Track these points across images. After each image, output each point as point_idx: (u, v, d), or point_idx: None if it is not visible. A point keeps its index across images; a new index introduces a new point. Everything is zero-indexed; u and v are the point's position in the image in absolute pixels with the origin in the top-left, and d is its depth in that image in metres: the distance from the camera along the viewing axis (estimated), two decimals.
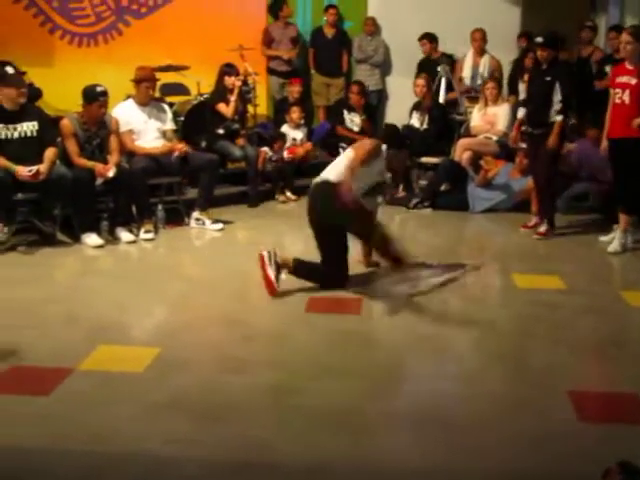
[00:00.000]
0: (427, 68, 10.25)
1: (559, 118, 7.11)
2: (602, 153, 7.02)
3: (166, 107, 7.93)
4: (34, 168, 6.61)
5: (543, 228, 7.34)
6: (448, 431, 3.59)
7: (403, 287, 5.63)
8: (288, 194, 9.01)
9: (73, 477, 3.21)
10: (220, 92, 8.90)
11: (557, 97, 7.11)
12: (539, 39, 7.23)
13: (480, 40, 10.10)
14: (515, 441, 3.50)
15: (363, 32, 11.03)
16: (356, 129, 9.83)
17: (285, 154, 9.20)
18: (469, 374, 4.33)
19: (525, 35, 10.26)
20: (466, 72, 10.19)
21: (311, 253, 5.67)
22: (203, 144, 8.69)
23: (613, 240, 6.91)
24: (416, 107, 9.43)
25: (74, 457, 3.34)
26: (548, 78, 7.18)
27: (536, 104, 7.32)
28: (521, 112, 7.62)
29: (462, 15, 10.42)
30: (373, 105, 10.57)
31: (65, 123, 7.13)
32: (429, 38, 10.43)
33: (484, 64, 10.10)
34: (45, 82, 9.36)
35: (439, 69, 9.97)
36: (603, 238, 7.11)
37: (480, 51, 10.17)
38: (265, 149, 9.05)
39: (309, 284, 5.66)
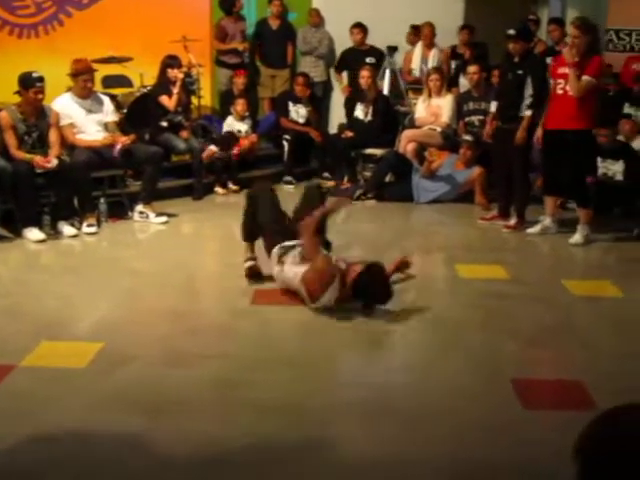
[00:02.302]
0: (353, 59, 10.32)
1: (529, 113, 7.12)
2: (536, 143, 7.11)
3: (106, 99, 7.79)
4: None
5: (513, 221, 7.38)
6: (398, 422, 3.60)
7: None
8: (230, 185, 8.96)
9: (17, 475, 3.15)
10: (163, 84, 8.82)
11: (528, 91, 7.11)
12: (511, 31, 7.18)
13: (430, 33, 10.17)
14: (464, 431, 3.53)
15: (308, 24, 11.02)
16: (301, 121, 9.84)
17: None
18: (416, 365, 4.36)
19: (466, 28, 10.33)
20: (415, 64, 10.25)
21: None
22: (147, 137, 8.60)
23: (545, 229, 7.08)
24: (360, 99, 9.45)
25: (18, 455, 3.29)
26: (520, 71, 7.17)
27: (508, 98, 7.31)
28: (493, 106, 7.58)
29: (405, 7, 10.47)
30: (318, 96, 10.58)
31: (3, 115, 7.01)
32: (362, 27, 10.47)
33: (433, 57, 10.17)
34: None
35: (368, 60, 10.02)
36: (531, 230, 7.21)
37: (430, 44, 10.23)
38: (212, 147, 8.95)
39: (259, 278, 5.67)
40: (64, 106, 7.41)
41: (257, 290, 5.41)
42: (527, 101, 7.12)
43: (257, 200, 5.51)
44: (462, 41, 10.28)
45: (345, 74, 10.84)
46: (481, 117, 8.65)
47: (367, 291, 4.91)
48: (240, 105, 9.50)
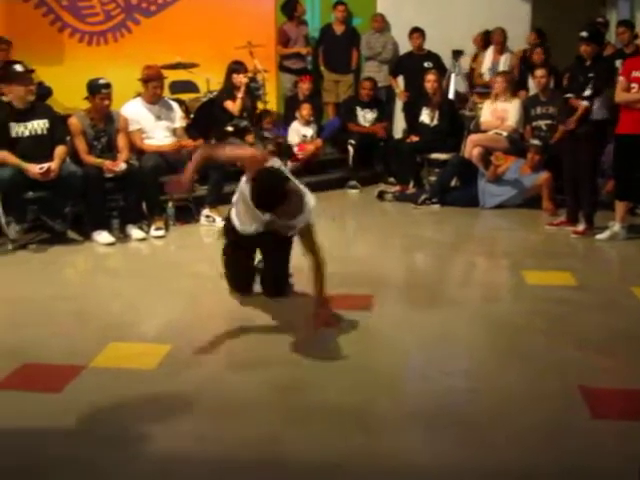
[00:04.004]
0: (410, 64, 10.30)
1: (584, 103, 7.00)
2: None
3: (175, 105, 7.93)
4: (45, 166, 6.62)
5: (581, 227, 7.28)
6: (460, 428, 3.57)
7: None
8: None
9: (85, 475, 3.21)
10: (228, 89, 8.93)
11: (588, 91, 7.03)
12: (584, 33, 7.03)
13: (501, 38, 10.10)
14: (527, 437, 3.48)
15: (372, 29, 11.02)
16: (368, 125, 9.86)
17: (295, 151, 9.22)
18: (480, 370, 4.31)
19: (536, 31, 10.22)
20: (485, 68, 10.19)
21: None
22: (212, 141, 8.70)
23: (615, 235, 7.01)
24: (425, 103, 9.42)
25: (86, 455, 3.34)
26: (591, 74, 7.06)
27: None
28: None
29: (471, 11, 10.42)
30: (382, 101, 10.58)
31: (73, 121, 7.16)
32: (421, 32, 10.44)
33: (504, 61, 10.09)
34: (55, 80, 9.41)
35: (426, 65, 9.99)
36: (599, 236, 7.09)
37: (501, 49, 10.16)
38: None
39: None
40: (134, 112, 7.54)
41: None
42: (586, 92, 7.00)
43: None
44: (531, 45, 10.18)
45: (401, 79, 10.81)
46: (548, 121, 8.55)
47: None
48: (305, 110, 9.56)
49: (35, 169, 6.61)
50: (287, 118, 10.16)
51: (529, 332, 4.82)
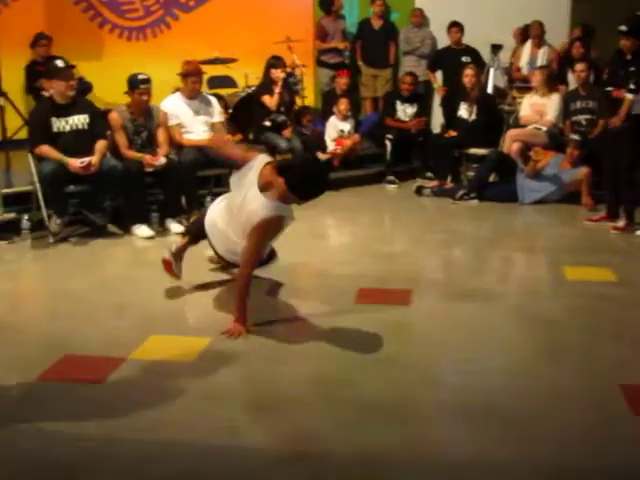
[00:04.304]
0: (448, 58, 10.25)
1: (629, 96, 6.90)
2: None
3: (214, 100, 7.97)
4: (86, 160, 6.69)
5: (622, 223, 7.20)
6: (500, 423, 3.56)
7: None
8: None
9: (125, 464, 3.24)
10: (266, 84, 8.96)
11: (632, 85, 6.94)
12: (623, 27, 6.97)
13: (539, 32, 10.03)
14: (567, 433, 3.47)
15: (410, 23, 10.99)
16: (408, 119, 9.84)
17: (333, 146, 9.23)
18: (519, 366, 4.29)
19: (582, 26, 10.11)
20: (523, 62, 10.12)
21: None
22: (251, 136, 8.73)
23: None
24: (464, 97, 9.37)
25: (126, 444, 3.38)
26: (632, 68, 6.95)
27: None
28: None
29: (510, 5, 10.33)
30: (422, 95, 10.54)
31: (114, 116, 7.23)
32: (459, 26, 10.40)
33: (542, 55, 10.02)
34: (95, 76, 9.48)
35: (464, 59, 9.94)
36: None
37: (538, 43, 10.09)
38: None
39: (358, 276, 5.69)
40: (173, 106, 7.60)
41: (360, 289, 5.42)
42: (631, 85, 6.89)
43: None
44: (572, 39, 10.08)
45: (439, 74, 10.78)
46: (588, 116, 8.48)
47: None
48: (343, 105, 9.56)
49: (76, 163, 6.68)
50: (324, 113, 10.17)
51: (569, 328, 4.79)
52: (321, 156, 9.16)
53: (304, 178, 4.54)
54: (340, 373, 4.11)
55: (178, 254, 5.48)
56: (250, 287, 4.70)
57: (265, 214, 4.53)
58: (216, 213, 5.17)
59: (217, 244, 5.18)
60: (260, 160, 4.77)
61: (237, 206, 4.80)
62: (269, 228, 4.62)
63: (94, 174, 6.78)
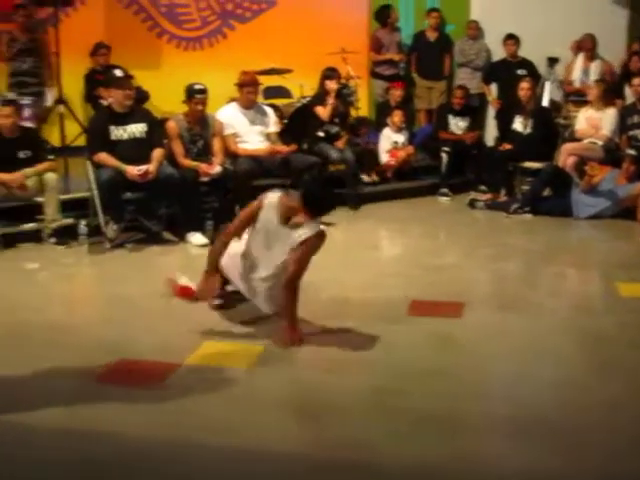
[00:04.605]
0: (504, 71, 10.21)
1: None
2: None
3: (270, 110, 8.05)
4: (143, 168, 6.80)
5: None
6: (549, 435, 3.54)
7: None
8: None
9: (183, 465, 3.29)
10: (320, 95, 9.00)
11: None
12: None
13: (590, 45, 9.95)
14: (620, 448, 3.44)
15: (465, 35, 10.97)
16: (460, 133, 9.82)
17: (386, 157, 9.25)
18: (570, 381, 4.25)
19: (639, 39, 10.01)
20: (575, 76, 10.04)
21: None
22: (305, 146, 8.78)
23: None
24: (519, 111, 9.32)
25: (180, 448, 3.42)
26: None
27: None
28: None
29: (567, 18, 10.26)
30: (475, 107, 10.51)
31: (171, 125, 7.34)
32: (515, 39, 10.35)
33: (595, 68, 9.94)
34: (152, 85, 9.61)
35: (519, 72, 9.88)
36: None
37: (591, 56, 10.01)
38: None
39: (410, 288, 5.70)
40: (228, 116, 7.68)
41: (413, 301, 5.42)
42: None
43: None
44: (630, 53, 9.99)
45: (494, 86, 10.73)
46: None
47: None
48: (397, 116, 9.58)
49: (134, 171, 6.79)
50: (378, 124, 10.18)
51: (621, 344, 4.74)
52: (366, 179, 9.20)
53: (314, 196, 4.69)
54: (391, 383, 4.12)
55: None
56: (298, 297, 4.74)
57: (311, 232, 4.63)
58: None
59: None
60: (270, 198, 4.83)
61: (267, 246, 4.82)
62: (316, 243, 4.70)
63: (151, 182, 6.88)
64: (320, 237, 4.69)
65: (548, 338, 4.85)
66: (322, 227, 4.74)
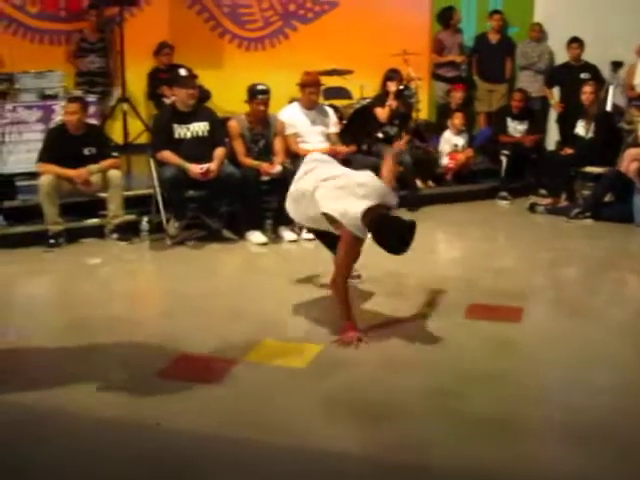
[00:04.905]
0: (566, 74, 10.09)
1: None
2: None
3: (330, 111, 8.09)
4: (205, 166, 6.88)
5: None
6: (606, 441, 3.52)
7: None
8: None
9: (240, 464, 3.33)
10: (380, 96, 9.00)
11: None
12: None
13: None
14: None
15: (528, 38, 10.88)
16: (519, 136, 9.75)
17: (446, 160, 9.23)
18: (627, 385, 4.22)
19: None
20: (637, 80, 9.89)
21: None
22: (364, 147, 8.79)
23: None
24: (582, 115, 9.22)
25: (238, 444, 3.48)
26: None
27: None
28: None
29: (632, 22, 10.09)
30: (536, 111, 10.41)
31: (233, 124, 7.40)
32: (580, 42, 10.23)
33: None
34: (214, 84, 9.69)
35: (582, 76, 9.75)
36: None
37: None
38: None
39: (468, 291, 5.70)
40: (290, 116, 7.74)
41: (471, 304, 5.41)
42: None
43: None
44: None
45: (556, 90, 10.63)
46: None
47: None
48: (458, 119, 9.54)
49: (196, 169, 6.88)
50: (439, 126, 10.15)
51: None
52: (420, 185, 9.12)
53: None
54: (450, 386, 4.12)
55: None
56: (349, 294, 4.78)
57: (352, 228, 4.62)
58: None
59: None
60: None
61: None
62: (353, 241, 4.70)
63: (212, 180, 6.96)
64: (358, 240, 4.69)
65: (606, 344, 4.81)
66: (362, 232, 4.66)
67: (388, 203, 4.79)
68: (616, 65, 9.95)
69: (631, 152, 8.71)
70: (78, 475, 3.27)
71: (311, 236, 7.21)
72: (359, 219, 4.55)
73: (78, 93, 8.43)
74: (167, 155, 7.02)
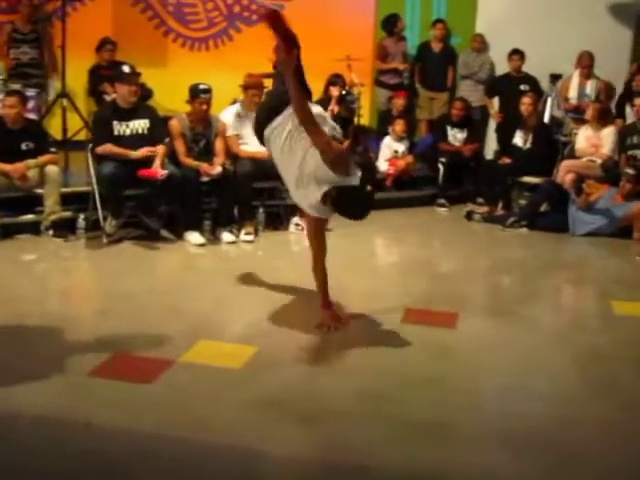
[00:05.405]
0: (506, 85, 10.26)
1: None
2: None
3: None
4: (165, 172, 6.88)
5: None
6: (541, 448, 3.56)
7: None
8: None
9: (174, 462, 3.30)
10: (324, 101, 9.02)
11: None
12: None
13: (587, 62, 10.00)
14: (609, 460, 3.46)
15: (470, 48, 11.02)
16: (458, 144, 9.87)
17: (386, 166, 9.28)
18: (566, 398, 4.28)
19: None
20: (572, 93, 10.08)
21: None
22: None
23: None
24: (520, 126, 9.37)
25: (169, 444, 3.44)
26: None
27: None
28: None
29: (572, 36, 10.30)
30: (476, 120, 10.55)
31: (174, 123, 7.36)
32: (521, 54, 10.41)
33: (591, 86, 9.98)
34: (157, 82, 9.62)
35: (522, 87, 9.93)
36: None
37: (587, 74, 10.05)
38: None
39: (405, 296, 5.73)
40: (232, 117, 7.71)
41: (408, 309, 5.45)
42: None
43: None
44: (631, 73, 10.03)
45: (496, 100, 10.79)
46: None
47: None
48: (399, 125, 9.62)
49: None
50: (379, 133, 10.22)
51: (616, 362, 4.75)
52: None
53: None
54: (385, 390, 4.13)
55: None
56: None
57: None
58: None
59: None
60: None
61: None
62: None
63: (152, 179, 6.90)
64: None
65: (542, 352, 4.87)
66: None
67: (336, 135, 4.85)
68: (555, 77, 10.15)
69: (567, 164, 8.90)
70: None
71: (250, 238, 7.25)
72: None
73: (17, 87, 8.29)
74: (109, 147, 6.96)
